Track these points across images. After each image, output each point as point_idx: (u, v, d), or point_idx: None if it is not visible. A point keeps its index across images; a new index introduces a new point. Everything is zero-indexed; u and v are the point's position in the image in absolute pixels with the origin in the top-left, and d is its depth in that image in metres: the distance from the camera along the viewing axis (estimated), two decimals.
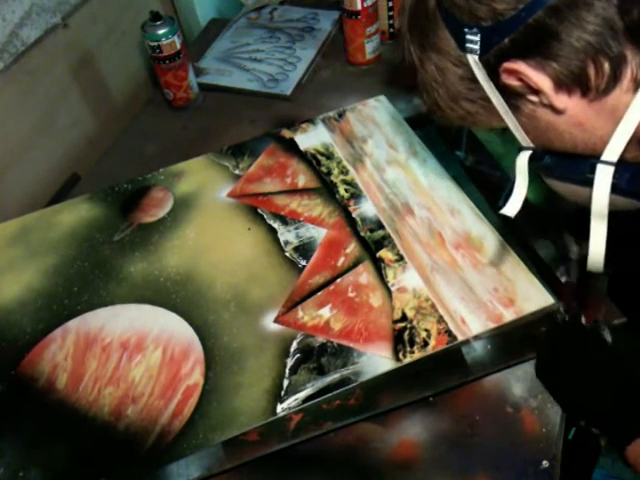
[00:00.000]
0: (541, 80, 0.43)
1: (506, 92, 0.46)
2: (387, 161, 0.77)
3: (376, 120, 0.83)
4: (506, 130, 0.51)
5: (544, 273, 0.63)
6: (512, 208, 0.53)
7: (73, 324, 0.65)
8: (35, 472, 0.54)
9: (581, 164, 0.47)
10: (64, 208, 0.79)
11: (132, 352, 0.62)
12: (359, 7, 0.92)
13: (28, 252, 0.74)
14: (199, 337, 0.62)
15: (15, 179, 0.85)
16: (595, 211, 0.47)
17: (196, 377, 0.59)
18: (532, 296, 0.60)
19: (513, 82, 0.45)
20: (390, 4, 0.98)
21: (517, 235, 0.68)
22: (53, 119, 0.90)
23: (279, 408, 0.56)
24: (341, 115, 0.85)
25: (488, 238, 0.66)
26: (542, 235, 0.67)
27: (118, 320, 0.65)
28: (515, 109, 0.48)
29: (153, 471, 0.54)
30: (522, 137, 0.50)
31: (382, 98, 0.87)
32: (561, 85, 0.43)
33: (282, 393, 0.57)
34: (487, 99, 0.48)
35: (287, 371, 0.58)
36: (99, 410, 0.58)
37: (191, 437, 0.55)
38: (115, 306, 0.66)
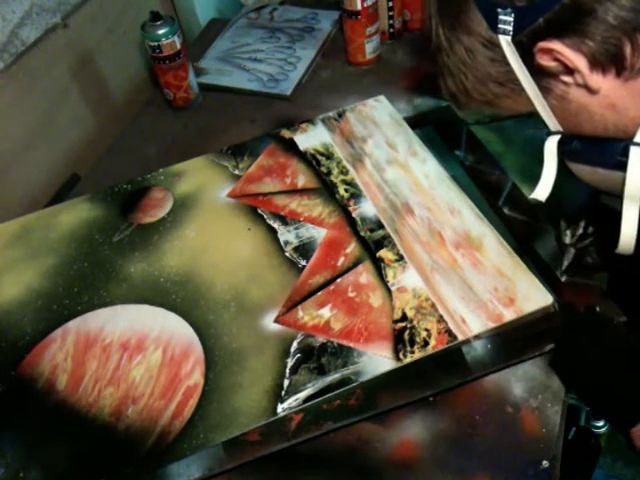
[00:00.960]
0: (577, 59, 0.43)
1: (538, 74, 0.46)
2: (387, 161, 0.77)
3: (376, 120, 0.83)
4: (528, 115, 0.50)
5: (544, 273, 0.63)
6: (542, 192, 0.53)
7: (73, 324, 0.65)
8: (35, 472, 0.54)
9: (613, 147, 0.47)
10: (64, 208, 0.79)
11: (132, 352, 0.62)
12: (359, 7, 0.92)
13: (28, 252, 0.74)
14: (199, 337, 0.62)
15: (15, 179, 0.85)
16: (628, 194, 0.46)
17: (196, 377, 0.59)
18: (532, 295, 0.60)
19: (548, 62, 0.44)
20: (390, 4, 0.98)
21: (517, 235, 0.68)
22: (53, 119, 0.90)
23: (279, 408, 0.56)
24: (341, 115, 0.85)
25: (488, 238, 0.66)
26: (542, 235, 0.67)
27: (118, 320, 0.65)
28: (546, 91, 0.47)
29: (153, 471, 0.54)
30: (551, 121, 0.50)
31: (382, 98, 0.87)
32: (596, 64, 0.43)
33: (282, 393, 0.57)
34: (517, 81, 0.47)
35: (287, 371, 0.58)
36: (99, 410, 0.58)
37: (191, 437, 0.55)
38: (115, 306, 0.66)
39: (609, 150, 0.47)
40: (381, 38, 1.00)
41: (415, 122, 0.83)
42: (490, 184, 0.74)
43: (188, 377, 0.59)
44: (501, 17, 0.44)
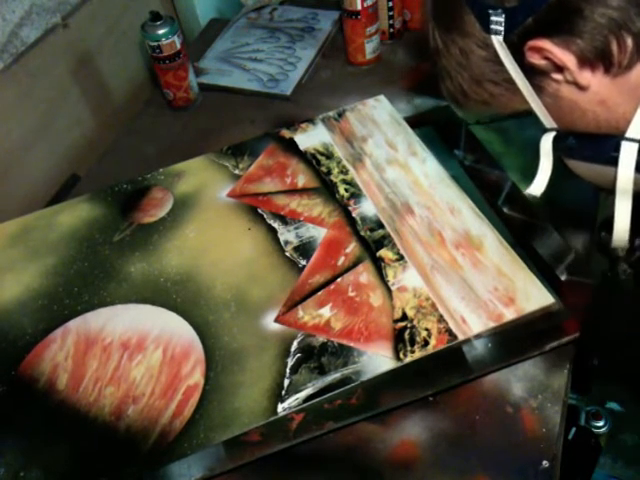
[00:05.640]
0: (566, 57, 0.44)
1: (530, 72, 0.47)
2: (387, 160, 0.77)
3: (376, 120, 0.83)
4: (527, 114, 0.51)
5: (544, 272, 0.63)
6: (537, 188, 0.55)
7: (73, 324, 0.65)
8: (36, 472, 0.54)
9: (605, 143, 0.48)
10: (64, 208, 0.79)
11: (133, 352, 0.62)
12: (359, 7, 0.92)
13: (28, 252, 0.74)
14: (199, 337, 0.62)
15: (15, 179, 0.85)
16: (620, 188, 0.48)
17: (197, 377, 0.59)
18: (532, 295, 0.60)
19: (538, 60, 0.45)
20: (390, 4, 0.98)
21: (517, 234, 0.68)
22: (53, 119, 0.90)
23: (280, 408, 0.56)
24: (341, 115, 0.85)
25: (488, 237, 0.66)
26: (542, 235, 0.67)
27: (118, 320, 0.65)
28: (539, 89, 0.48)
29: (154, 471, 0.54)
30: (546, 118, 0.51)
31: (382, 98, 0.87)
32: (585, 61, 0.44)
33: (283, 393, 0.57)
34: (511, 80, 0.48)
35: (288, 371, 0.58)
36: (100, 410, 0.58)
37: (192, 437, 0.55)
38: (115, 306, 0.66)
39: (602, 146, 0.48)
40: (381, 38, 1.00)
41: (415, 122, 0.83)
42: (490, 184, 0.74)
43: (188, 377, 0.59)
44: (493, 18, 0.45)
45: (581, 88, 0.46)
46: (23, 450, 0.56)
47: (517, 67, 0.47)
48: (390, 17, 1.00)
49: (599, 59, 0.43)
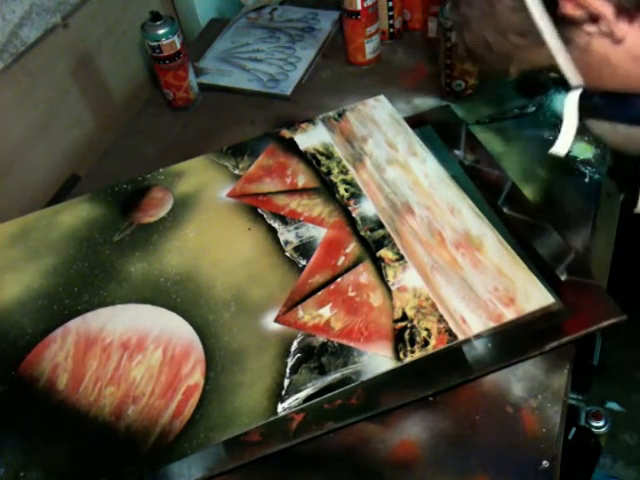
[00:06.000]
0: (603, 5, 0.42)
1: (561, 23, 0.45)
2: (387, 160, 0.77)
3: (376, 120, 0.83)
4: (549, 70, 0.49)
5: (544, 272, 0.63)
6: (562, 147, 0.53)
7: (73, 324, 0.65)
8: (36, 472, 0.54)
9: (635, 102, 0.46)
10: (64, 208, 0.79)
11: (133, 352, 0.62)
12: (359, 7, 0.92)
13: (28, 252, 0.74)
14: (199, 337, 0.62)
15: (15, 179, 0.85)
16: None
17: (197, 377, 0.59)
18: (532, 295, 0.60)
19: (571, 10, 0.43)
20: (390, 4, 0.98)
21: (517, 234, 0.68)
22: (53, 119, 0.90)
23: (280, 408, 0.56)
24: (341, 115, 0.85)
25: (488, 237, 0.66)
26: (542, 235, 0.67)
27: (118, 320, 0.65)
28: (568, 42, 0.46)
29: (154, 471, 0.54)
30: (572, 74, 0.48)
31: (382, 98, 0.87)
32: (623, 11, 0.42)
33: (283, 393, 0.57)
34: (538, 32, 0.46)
35: (288, 371, 0.58)
36: (100, 410, 0.58)
37: (192, 437, 0.55)
38: (115, 306, 0.66)
39: (631, 105, 0.46)
40: (381, 38, 1.00)
41: (415, 122, 0.83)
42: (490, 184, 0.74)
43: (188, 377, 0.59)
44: None
45: (616, 41, 0.43)
46: (23, 450, 0.56)
47: (547, 17, 0.45)
48: (390, 17, 1.00)
49: (638, 9, 0.41)
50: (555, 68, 0.48)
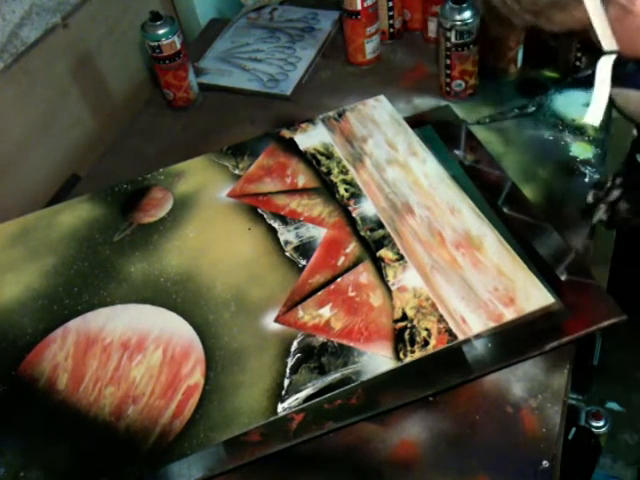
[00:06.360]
0: None
1: None
2: (387, 160, 0.77)
3: (376, 120, 0.83)
4: (580, 36, 0.46)
5: (544, 272, 0.63)
6: (595, 116, 0.51)
7: (73, 324, 0.65)
8: (36, 472, 0.54)
9: None
10: (64, 208, 0.79)
11: (133, 352, 0.62)
12: (359, 7, 0.92)
13: (28, 252, 0.74)
14: (199, 337, 0.62)
15: (15, 179, 0.85)
16: None
17: (197, 377, 0.59)
18: (532, 295, 0.60)
19: None
20: (390, 4, 0.98)
21: (517, 234, 0.68)
22: (53, 119, 0.90)
23: (280, 408, 0.56)
24: (341, 115, 0.85)
25: (488, 237, 0.66)
26: (542, 235, 0.67)
27: (118, 320, 0.65)
28: (607, 3, 0.44)
29: (154, 471, 0.54)
30: (607, 38, 0.46)
31: (382, 98, 0.87)
32: None
33: (283, 393, 0.57)
34: None
35: (288, 370, 0.58)
36: (100, 410, 0.58)
37: (192, 437, 0.55)
38: (115, 306, 0.66)
39: None
40: (381, 38, 1.00)
41: (415, 122, 0.83)
42: (490, 184, 0.74)
43: (188, 377, 0.59)
44: None
45: None
46: (23, 450, 0.56)
47: None
48: (390, 17, 1.00)
49: None
50: (585, 32, 0.46)
